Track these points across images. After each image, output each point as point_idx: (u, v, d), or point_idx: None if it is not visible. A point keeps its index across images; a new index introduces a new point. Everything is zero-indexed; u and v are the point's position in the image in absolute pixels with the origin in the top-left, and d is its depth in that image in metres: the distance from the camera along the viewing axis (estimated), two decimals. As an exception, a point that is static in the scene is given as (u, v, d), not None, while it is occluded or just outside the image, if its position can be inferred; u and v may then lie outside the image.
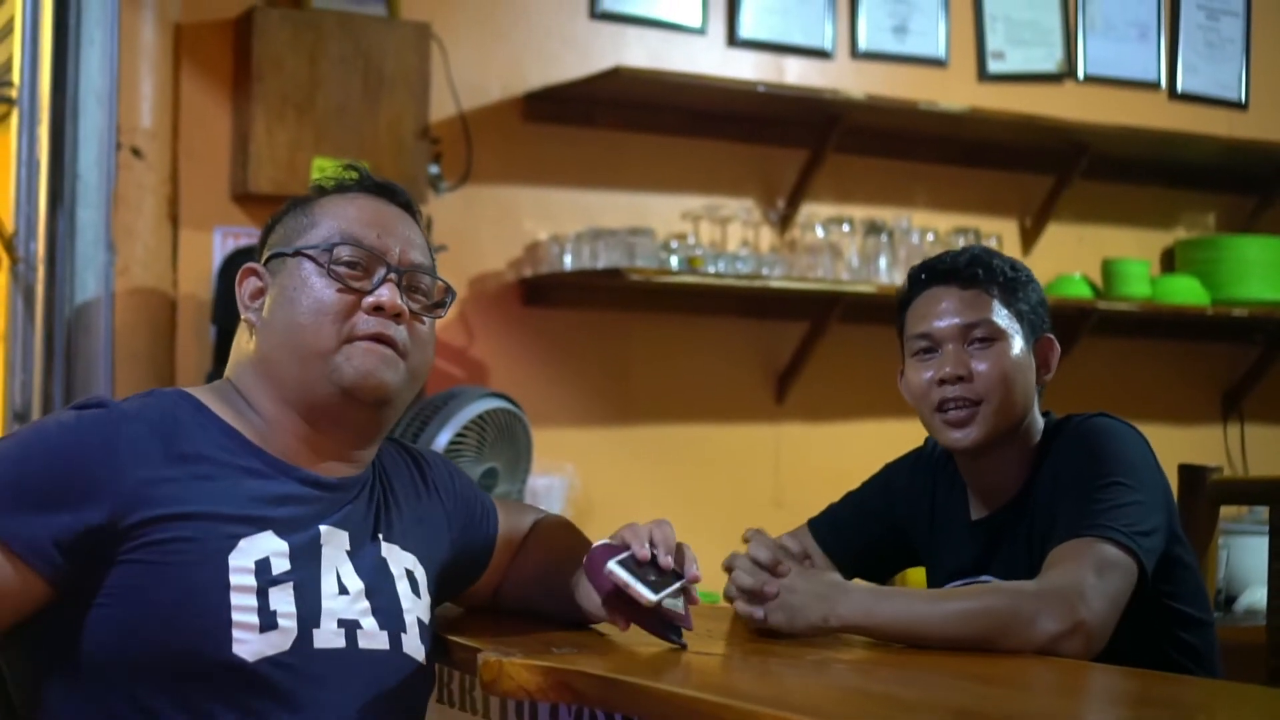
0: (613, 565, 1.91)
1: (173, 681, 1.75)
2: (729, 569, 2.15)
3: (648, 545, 1.94)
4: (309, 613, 1.82)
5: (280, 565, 1.81)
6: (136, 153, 4.05)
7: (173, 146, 4.14)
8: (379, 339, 1.87)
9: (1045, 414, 2.43)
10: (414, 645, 1.93)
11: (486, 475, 3.63)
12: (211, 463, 1.83)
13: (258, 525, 1.81)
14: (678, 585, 1.93)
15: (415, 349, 1.92)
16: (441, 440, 3.46)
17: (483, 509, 2.16)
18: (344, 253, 1.89)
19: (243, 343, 1.95)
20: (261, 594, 1.79)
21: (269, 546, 1.81)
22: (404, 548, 1.98)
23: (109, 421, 1.79)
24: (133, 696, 1.74)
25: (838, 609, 2.02)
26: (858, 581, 2.24)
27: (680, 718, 1.66)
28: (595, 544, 2.01)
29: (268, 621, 1.78)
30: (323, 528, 1.88)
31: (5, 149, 4.40)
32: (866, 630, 2.03)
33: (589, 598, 1.99)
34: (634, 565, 1.92)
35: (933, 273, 2.40)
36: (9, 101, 4.31)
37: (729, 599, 2.13)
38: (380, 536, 1.95)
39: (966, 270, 2.36)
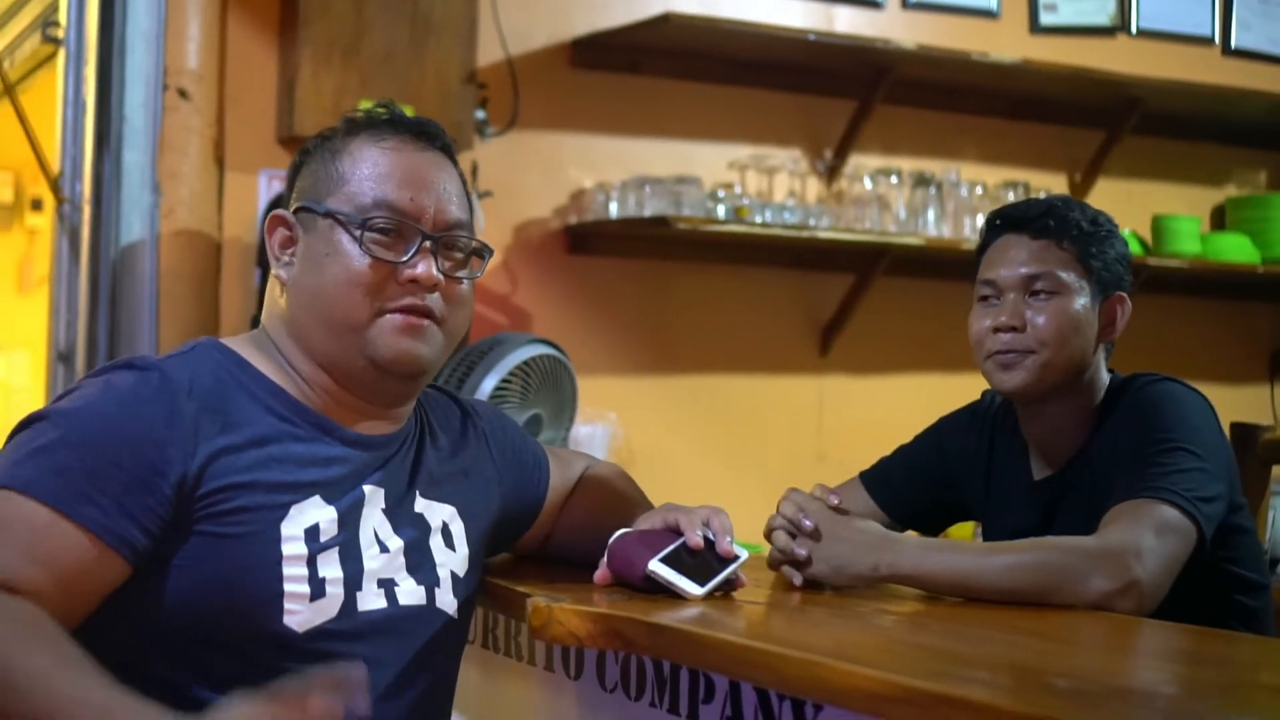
0: (655, 566, 1.87)
1: (222, 652, 1.73)
2: (769, 533, 2.11)
3: (700, 533, 1.91)
4: (353, 576, 1.81)
5: (329, 531, 1.79)
6: (183, 94, 4.03)
7: (219, 89, 4.12)
8: (413, 310, 1.82)
9: (1110, 372, 2.40)
10: (446, 600, 1.91)
11: (531, 422, 3.62)
12: (262, 428, 1.78)
13: (306, 491, 1.79)
14: (732, 569, 1.91)
15: (452, 311, 1.86)
16: (487, 386, 3.45)
17: (534, 460, 2.13)
18: (378, 222, 1.81)
19: (275, 296, 1.89)
20: (311, 562, 1.77)
21: (318, 513, 1.79)
22: (441, 500, 1.95)
23: (168, 394, 1.72)
24: (177, 669, 1.72)
25: (886, 559, 2.00)
26: (906, 533, 2.22)
27: (734, 667, 1.65)
28: (617, 534, 1.97)
29: (317, 590, 1.77)
30: (366, 488, 1.85)
31: (52, 90, 4.40)
32: (916, 581, 2.01)
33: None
34: (679, 555, 1.89)
35: (1007, 220, 2.39)
36: (55, 42, 4.31)
37: (773, 566, 2.11)
38: (418, 491, 1.92)
39: (1038, 221, 2.34)
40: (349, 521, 1.82)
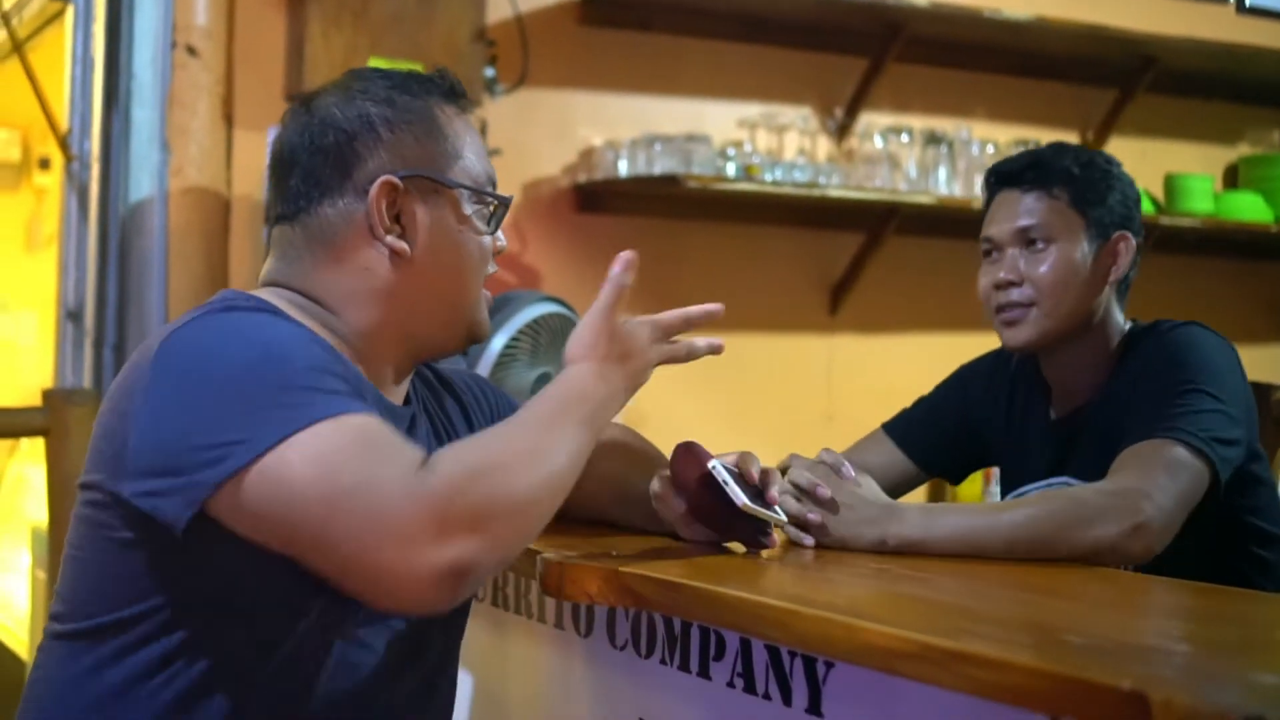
0: (717, 462, 1.86)
1: (321, 595, 1.62)
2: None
3: (757, 471, 1.90)
4: None
5: None
6: (192, 52, 4.01)
7: (228, 46, 4.10)
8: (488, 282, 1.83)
9: (1132, 321, 2.40)
10: None
11: (540, 380, 3.61)
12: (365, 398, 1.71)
13: None
14: (773, 511, 1.89)
15: None
16: (495, 345, 3.44)
17: None
18: (497, 198, 1.79)
19: (365, 265, 1.74)
20: None
21: None
22: None
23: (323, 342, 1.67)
24: (270, 606, 1.63)
25: (893, 529, 1.97)
26: (905, 500, 2.20)
27: (748, 623, 1.64)
28: (682, 441, 1.94)
29: None
30: None
31: (60, 47, 4.38)
32: (925, 547, 1.98)
33: (668, 506, 1.93)
34: (738, 475, 1.88)
35: (999, 176, 2.43)
36: (63, -1, 4.29)
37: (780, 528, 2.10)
38: None
39: (1027, 173, 2.37)
40: None
